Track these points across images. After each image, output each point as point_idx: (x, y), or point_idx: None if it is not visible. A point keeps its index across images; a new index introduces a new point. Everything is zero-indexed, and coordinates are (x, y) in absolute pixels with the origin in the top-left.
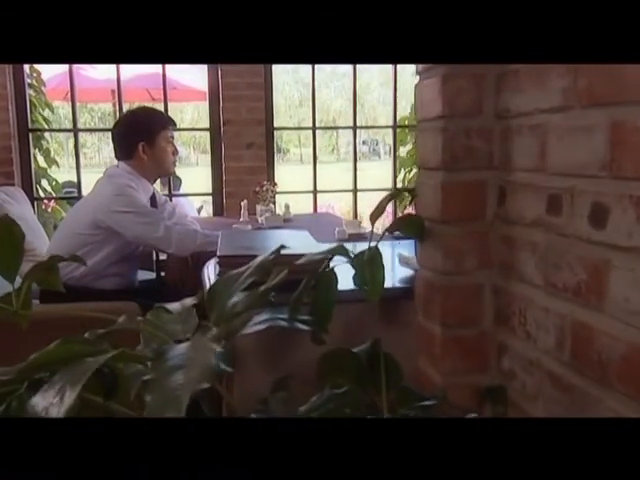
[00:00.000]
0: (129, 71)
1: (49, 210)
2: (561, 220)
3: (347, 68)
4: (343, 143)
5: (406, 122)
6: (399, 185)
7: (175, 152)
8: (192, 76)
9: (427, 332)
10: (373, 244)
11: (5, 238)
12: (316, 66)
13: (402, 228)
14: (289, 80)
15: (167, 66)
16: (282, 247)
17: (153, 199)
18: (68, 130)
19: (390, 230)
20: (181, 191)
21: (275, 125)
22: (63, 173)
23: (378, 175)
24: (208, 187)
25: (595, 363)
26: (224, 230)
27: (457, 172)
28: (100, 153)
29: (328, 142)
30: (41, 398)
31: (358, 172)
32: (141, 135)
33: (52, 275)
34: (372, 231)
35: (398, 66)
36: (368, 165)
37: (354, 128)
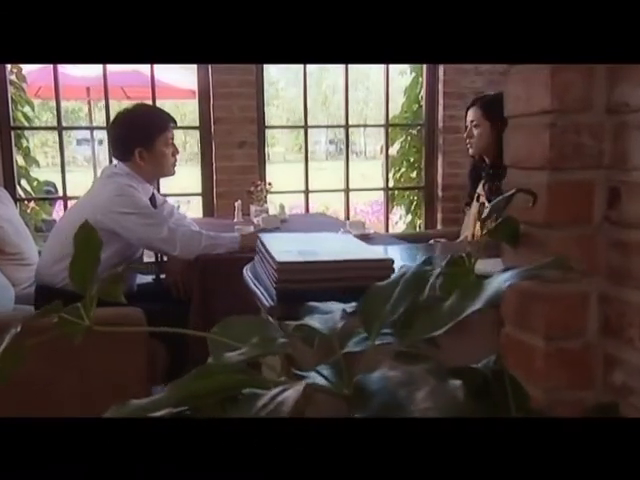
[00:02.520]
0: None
1: (28, 211)
2: None
3: (314, 67)
4: (310, 142)
5: (395, 121)
6: (390, 184)
7: (175, 152)
8: (173, 73)
9: (522, 345)
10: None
11: (83, 246)
12: (283, 65)
13: (491, 232)
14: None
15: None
16: (430, 258)
17: (152, 200)
18: (52, 128)
19: (491, 236)
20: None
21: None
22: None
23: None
24: (184, 187)
25: None
26: (262, 234)
27: (565, 171)
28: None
29: (295, 141)
30: None
31: (326, 171)
32: (138, 139)
33: (116, 286)
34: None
35: (368, 67)
36: (336, 165)
37: (346, 127)
